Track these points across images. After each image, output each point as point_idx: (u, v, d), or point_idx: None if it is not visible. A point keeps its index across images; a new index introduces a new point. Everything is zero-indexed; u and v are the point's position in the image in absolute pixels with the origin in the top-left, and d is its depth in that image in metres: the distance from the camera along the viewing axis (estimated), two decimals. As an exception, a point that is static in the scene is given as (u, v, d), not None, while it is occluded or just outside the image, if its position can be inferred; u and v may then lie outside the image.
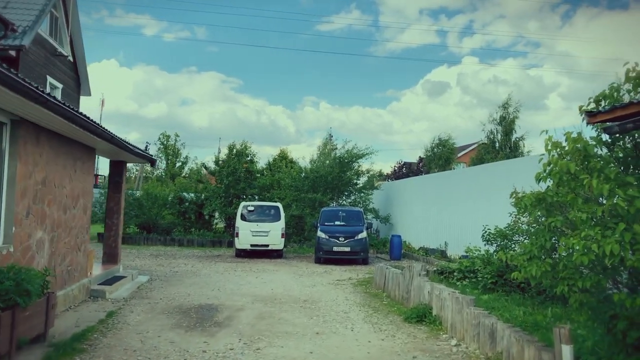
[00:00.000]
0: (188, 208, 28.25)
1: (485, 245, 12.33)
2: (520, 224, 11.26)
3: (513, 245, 11.40)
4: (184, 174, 46.14)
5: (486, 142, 35.59)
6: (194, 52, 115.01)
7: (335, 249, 18.79)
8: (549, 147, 6.16)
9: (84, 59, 21.89)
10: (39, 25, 17.21)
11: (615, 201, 5.27)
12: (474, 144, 45.92)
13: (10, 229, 6.95)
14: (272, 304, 10.49)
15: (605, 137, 6.40)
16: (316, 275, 15.58)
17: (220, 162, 27.43)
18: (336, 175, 24.15)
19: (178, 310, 9.56)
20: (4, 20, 13.84)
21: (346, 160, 24.62)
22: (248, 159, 27.17)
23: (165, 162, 52.76)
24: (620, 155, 6.44)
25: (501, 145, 34.96)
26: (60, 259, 8.79)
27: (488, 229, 11.94)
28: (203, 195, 27.59)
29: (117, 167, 13.28)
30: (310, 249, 23.01)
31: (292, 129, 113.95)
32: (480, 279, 12.26)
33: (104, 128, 9.01)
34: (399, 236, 21.34)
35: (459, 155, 44.32)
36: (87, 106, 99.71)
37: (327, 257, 19.02)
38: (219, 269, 16.36)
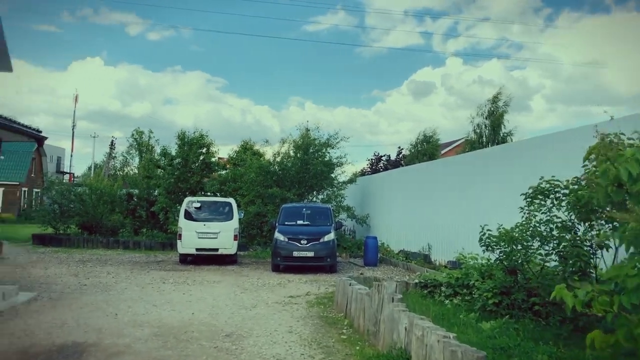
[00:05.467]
0: (138, 205, 24.70)
1: (484, 251, 9.00)
2: (536, 224, 7.98)
3: (528, 253, 8.09)
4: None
5: (473, 136, 33.02)
6: (178, 51, 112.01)
7: (295, 253, 15.38)
8: None
9: (0, 28, 18.18)
10: None
11: None
12: (458, 140, 43.27)
13: None
14: (174, 344, 7.06)
15: None
16: (265, 289, 12.17)
17: (170, 153, 23.83)
18: (300, 167, 20.73)
19: (17, 358, 6.10)
20: None
21: (311, 150, 21.18)
22: (203, 150, 23.59)
23: (139, 158, 50.00)
24: None
25: (488, 140, 32.62)
26: None
27: (488, 230, 8.61)
28: (157, 191, 24.07)
29: (-18, 146, 9.78)
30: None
31: (277, 129, 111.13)
32: (477, 296, 9.02)
33: None
34: (375, 238, 18.00)
35: (443, 151, 41.47)
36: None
37: (286, 264, 15.62)
38: (144, 281, 12.89)
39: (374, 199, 22.77)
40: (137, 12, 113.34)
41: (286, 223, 16.50)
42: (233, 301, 10.50)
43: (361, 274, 14.95)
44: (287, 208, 17.49)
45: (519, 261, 8.35)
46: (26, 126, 9.74)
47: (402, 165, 33.35)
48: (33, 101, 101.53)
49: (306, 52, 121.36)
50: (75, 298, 10.18)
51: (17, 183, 44.49)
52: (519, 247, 8.20)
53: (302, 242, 15.45)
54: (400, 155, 38.06)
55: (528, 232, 8.03)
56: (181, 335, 7.54)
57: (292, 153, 21.77)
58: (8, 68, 19.30)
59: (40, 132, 10.21)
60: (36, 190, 44.84)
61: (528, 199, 8.21)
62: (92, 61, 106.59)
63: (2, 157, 19.21)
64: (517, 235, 8.12)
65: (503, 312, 8.23)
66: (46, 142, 45.68)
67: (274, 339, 7.48)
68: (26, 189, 46.04)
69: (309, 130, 22.34)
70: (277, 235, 15.82)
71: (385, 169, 34.85)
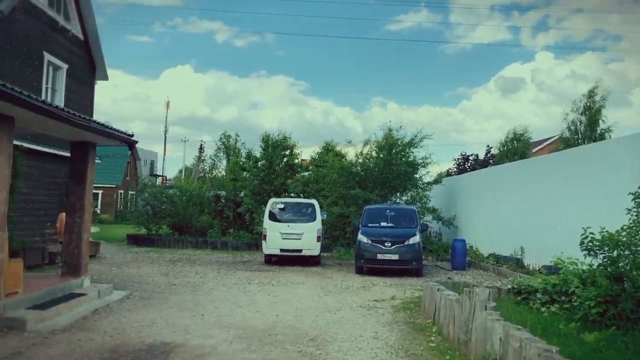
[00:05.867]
0: (225, 206, 25.32)
1: (585, 256, 8.28)
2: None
3: (637, 259, 7.34)
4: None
5: (567, 134, 31.16)
6: (263, 56, 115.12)
7: (379, 256, 15.03)
8: None
9: (97, 40, 19.24)
10: (24, -11, 14.55)
11: None
12: (551, 137, 41.08)
13: None
14: (258, 347, 6.99)
15: None
16: (349, 292, 11.96)
17: (255, 156, 24.23)
18: (382, 168, 20.32)
19: (108, 357, 6.25)
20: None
21: (394, 150, 20.70)
22: (287, 152, 23.77)
23: (226, 161, 51.71)
24: None
25: (584, 137, 30.60)
26: None
27: (591, 234, 7.89)
28: (243, 192, 24.55)
29: (79, 151, 10.21)
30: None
31: (359, 130, 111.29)
32: (577, 305, 8.30)
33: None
34: (463, 241, 17.31)
35: (535, 150, 39.52)
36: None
37: (370, 267, 15.32)
38: (230, 281, 13.06)
39: (462, 200, 21.96)
40: (225, 20, 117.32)
41: (369, 225, 16.19)
42: (317, 304, 10.37)
43: (449, 278, 14.39)
44: (371, 209, 17.19)
45: (627, 267, 7.60)
46: (118, 130, 10.10)
47: (491, 165, 32.04)
48: (129, 108, 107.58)
49: (389, 52, 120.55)
50: (164, 298, 10.44)
51: (114, 186, 47.12)
52: (627, 252, 7.47)
53: (386, 244, 15.09)
54: (489, 155, 36.59)
55: (638, 236, 7.28)
56: (265, 338, 7.47)
57: (374, 153, 21.42)
58: (105, 77, 20.51)
59: (132, 135, 10.54)
60: (131, 192, 47.17)
61: (638, 200, 7.47)
62: (183, 69, 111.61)
63: (99, 161, 20.22)
64: (624, 239, 7.39)
65: (608, 323, 7.51)
66: (140, 146, 47.92)
67: (359, 345, 7.23)
68: (122, 191, 48.66)
69: (391, 131, 21.89)
70: (361, 237, 15.56)
71: (473, 169, 33.62)
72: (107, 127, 9.66)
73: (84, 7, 18.32)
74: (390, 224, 16.24)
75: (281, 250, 16.93)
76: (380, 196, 20.48)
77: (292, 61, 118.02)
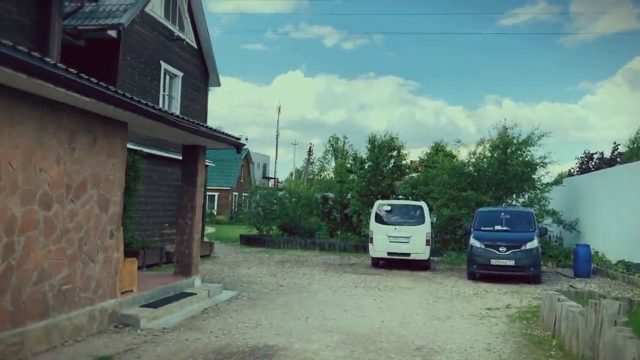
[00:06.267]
0: (332, 208, 25.43)
1: None
2: None
3: None
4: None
5: None
6: (372, 58, 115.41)
7: (493, 261, 14.19)
8: None
9: (210, 48, 20.07)
10: (144, 3, 15.42)
11: None
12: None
13: None
14: (361, 354, 6.72)
15: None
16: (460, 299, 11.35)
17: (361, 157, 24.06)
18: (497, 168, 19.24)
19: (212, 358, 6.29)
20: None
21: (509, 149, 19.53)
22: (394, 153, 23.33)
23: (334, 163, 52.59)
24: None
25: None
26: (37, 276, 6.04)
27: None
28: (349, 194, 24.49)
29: (190, 154, 10.54)
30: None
31: (472, 129, 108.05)
32: None
33: (106, 88, 6.10)
34: (587, 246, 15.91)
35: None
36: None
37: (483, 272, 14.52)
38: (336, 284, 12.94)
39: (585, 202, 20.25)
40: (334, 24, 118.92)
41: (482, 228, 15.36)
42: (425, 310, 9.92)
43: (571, 286, 13.26)
44: (484, 212, 16.32)
45: None
46: (226, 134, 10.33)
47: (618, 164, 29.39)
48: (244, 114, 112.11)
49: (503, 47, 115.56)
50: (271, 299, 10.51)
51: (229, 188, 49.26)
52: None
53: (500, 249, 14.22)
54: (616, 153, 33.66)
55: None
56: (370, 345, 7.19)
57: (488, 153, 20.39)
58: (217, 83, 21.37)
59: (239, 139, 10.77)
60: (244, 194, 49.06)
61: None
62: (294, 74, 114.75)
63: (212, 165, 21.06)
64: None
65: None
66: (253, 150, 49.42)
67: (470, 357, 6.74)
68: (236, 193, 50.69)
69: (506, 129, 20.72)
70: (473, 241, 14.80)
71: (598, 168, 31.09)
72: (215, 130, 9.91)
73: (198, 17, 19.16)
74: (505, 228, 15.29)
75: (388, 253, 16.56)
76: (494, 198, 19.44)
77: (402, 61, 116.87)
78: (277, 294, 11.10)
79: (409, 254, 16.37)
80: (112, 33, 14.36)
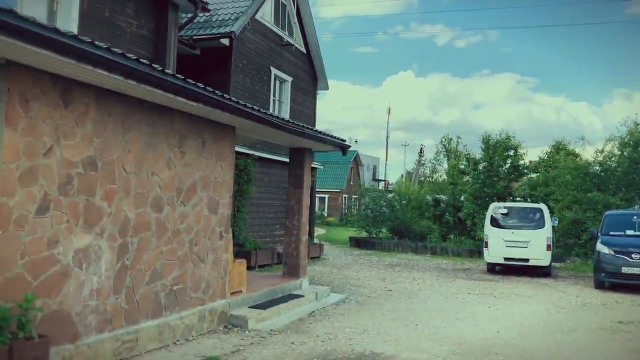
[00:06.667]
0: (445, 211, 24.65)
1: None
2: None
3: None
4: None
5: None
6: (486, 54, 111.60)
7: (625, 270, 12.88)
8: None
9: (318, 52, 20.26)
10: (254, 11, 15.86)
11: None
12: None
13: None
14: (475, 366, 6.30)
15: None
16: (586, 310, 10.40)
17: (474, 158, 23.09)
18: (627, 168, 17.56)
19: (318, 362, 6.19)
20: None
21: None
22: (510, 152, 22.13)
23: (446, 164, 51.46)
24: None
25: None
26: (150, 276, 6.27)
27: None
28: (462, 196, 23.63)
29: (297, 156, 10.59)
30: (594, 266, 16.99)
31: (597, 126, 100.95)
32: None
33: (205, 89, 6.23)
34: None
35: None
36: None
37: (612, 282, 13.26)
38: (448, 290, 12.41)
39: None
40: (445, 22, 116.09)
41: (611, 233, 14.04)
42: (546, 321, 9.17)
43: None
44: (612, 215, 14.92)
45: None
46: (330, 135, 10.28)
47: None
48: (354, 116, 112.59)
49: (632, 36, 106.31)
50: (379, 304, 10.26)
51: (339, 190, 49.67)
52: None
53: (633, 256, 12.89)
54: None
55: None
56: (483, 357, 6.72)
57: (617, 151, 18.72)
58: (325, 87, 21.53)
59: (344, 140, 10.68)
60: (354, 196, 49.21)
61: None
62: (404, 75, 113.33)
63: (321, 167, 21.22)
64: None
65: None
66: (363, 152, 49.52)
67: (599, 377, 6.07)
68: (346, 195, 50.98)
69: (637, 125, 18.91)
70: (600, 247, 13.55)
71: None
72: (319, 132, 9.87)
73: (306, 22, 19.40)
74: (638, 233, 13.88)
75: (505, 259, 15.66)
76: (624, 200, 17.79)
77: (519, 57, 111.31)
78: (386, 299, 10.83)
79: (527, 260, 15.35)
80: (225, 41, 14.91)
